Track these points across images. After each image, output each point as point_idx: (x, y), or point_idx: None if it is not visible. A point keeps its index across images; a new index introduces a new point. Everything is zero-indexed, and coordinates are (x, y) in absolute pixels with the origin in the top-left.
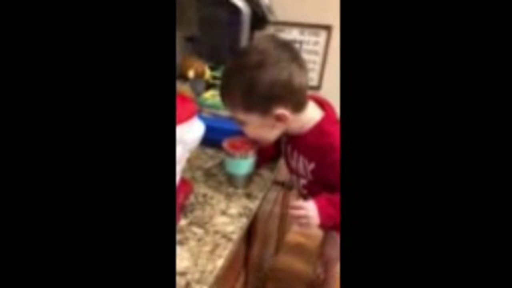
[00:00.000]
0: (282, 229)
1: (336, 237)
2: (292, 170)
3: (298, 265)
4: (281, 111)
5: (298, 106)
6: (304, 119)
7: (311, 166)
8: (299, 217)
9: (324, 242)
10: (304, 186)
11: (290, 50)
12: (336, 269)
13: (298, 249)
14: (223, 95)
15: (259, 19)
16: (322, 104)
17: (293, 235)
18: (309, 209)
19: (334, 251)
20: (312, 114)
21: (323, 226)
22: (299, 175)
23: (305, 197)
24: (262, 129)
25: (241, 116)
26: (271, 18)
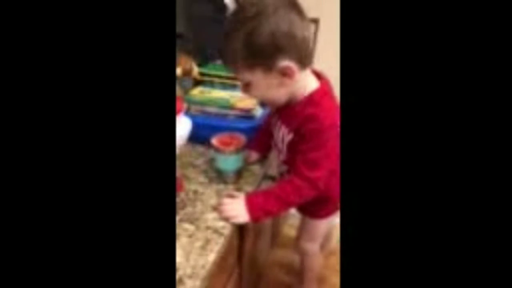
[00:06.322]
0: (277, 223)
1: (311, 230)
2: (275, 145)
3: (293, 258)
4: (285, 63)
5: (303, 58)
6: (305, 81)
7: (289, 137)
8: (223, 212)
9: (299, 234)
10: (284, 162)
11: None
12: (311, 263)
13: (294, 243)
14: (225, 55)
15: None
16: (318, 75)
17: (289, 229)
18: (235, 207)
19: (309, 244)
20: (311, 82)
21: (256, 220)
22: (278, 150)
23: (282, 176)
24: (269, 89)
25: (246, 75)
26: None
